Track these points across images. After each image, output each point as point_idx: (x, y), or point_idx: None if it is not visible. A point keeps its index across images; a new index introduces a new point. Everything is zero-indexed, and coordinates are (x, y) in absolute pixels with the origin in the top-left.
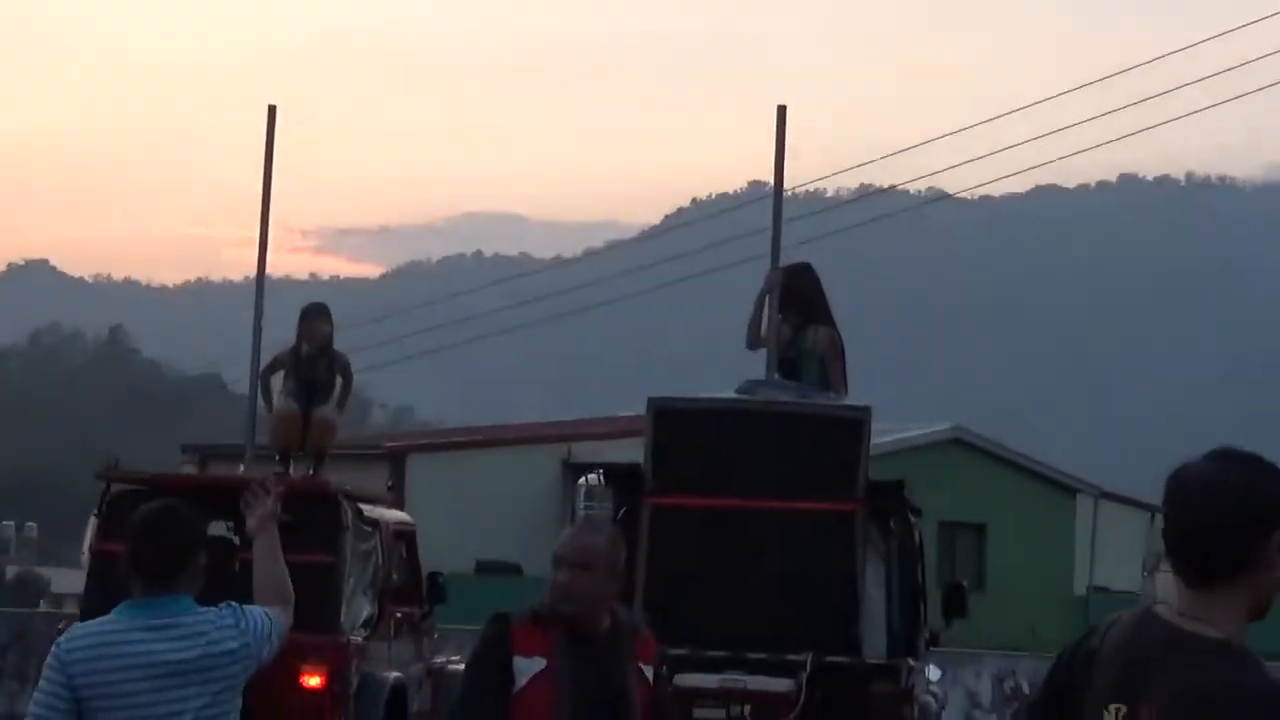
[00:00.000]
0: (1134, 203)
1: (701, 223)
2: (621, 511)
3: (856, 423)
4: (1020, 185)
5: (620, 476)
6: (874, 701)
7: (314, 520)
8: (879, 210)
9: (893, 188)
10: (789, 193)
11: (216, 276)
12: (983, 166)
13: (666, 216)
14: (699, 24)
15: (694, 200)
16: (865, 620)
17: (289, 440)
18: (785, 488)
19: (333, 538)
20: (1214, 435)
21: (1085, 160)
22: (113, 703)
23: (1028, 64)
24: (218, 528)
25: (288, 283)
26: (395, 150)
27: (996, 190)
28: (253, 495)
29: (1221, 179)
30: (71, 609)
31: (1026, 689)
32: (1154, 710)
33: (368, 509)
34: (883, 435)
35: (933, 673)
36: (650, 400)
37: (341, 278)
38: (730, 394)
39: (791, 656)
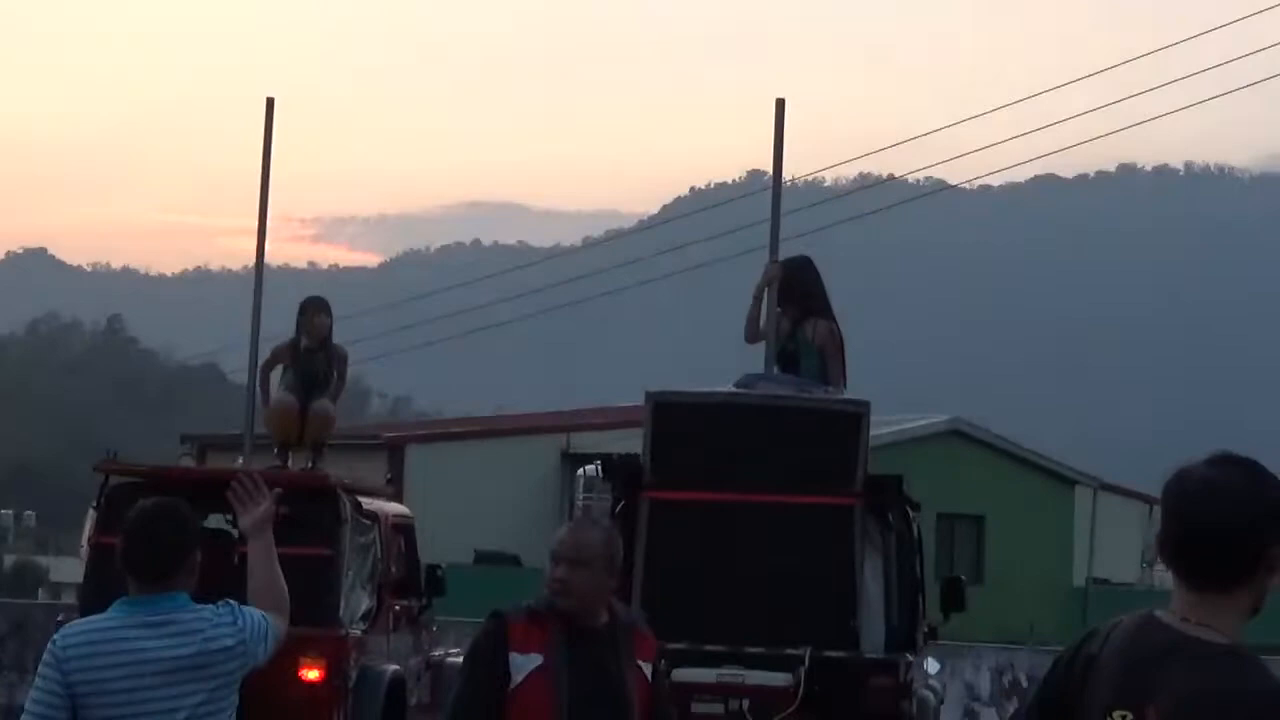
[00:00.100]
0: (1132, 193)
1: (700, 213)
2: (619, 505)
3: (855, 417)
4: (1020, 175)
5: (618, 470)
6: (872, 696)
7: (313, 513)
8: (878, 201)
9: (892, 178)
10: (788, 182)
11: (215, 265)
12: (982, 157)
13: (664, 206)
14: (698, 12)
15: (692, 189)
16: (864, 614)
17: (287, 433)
18: (784, 482)
19: (332, 531)
20: (1213, 429)
21: (1084, 151)
22: (109, 700)
23: (1027, 55)
24: (216, 521)
25: (286, 271)
26: (395, 139)
27: (996, 180)
28: (243, 493)
29: (1220, 169)
30: (70, 598)
31: (1025, 682)
32: (1159, 714)
33: (367, 502)
34: (881, 427)
35: (931, 665)
36: (648, 394)
37: (340, 266)
38: (729, 388)
39: (790, 651)
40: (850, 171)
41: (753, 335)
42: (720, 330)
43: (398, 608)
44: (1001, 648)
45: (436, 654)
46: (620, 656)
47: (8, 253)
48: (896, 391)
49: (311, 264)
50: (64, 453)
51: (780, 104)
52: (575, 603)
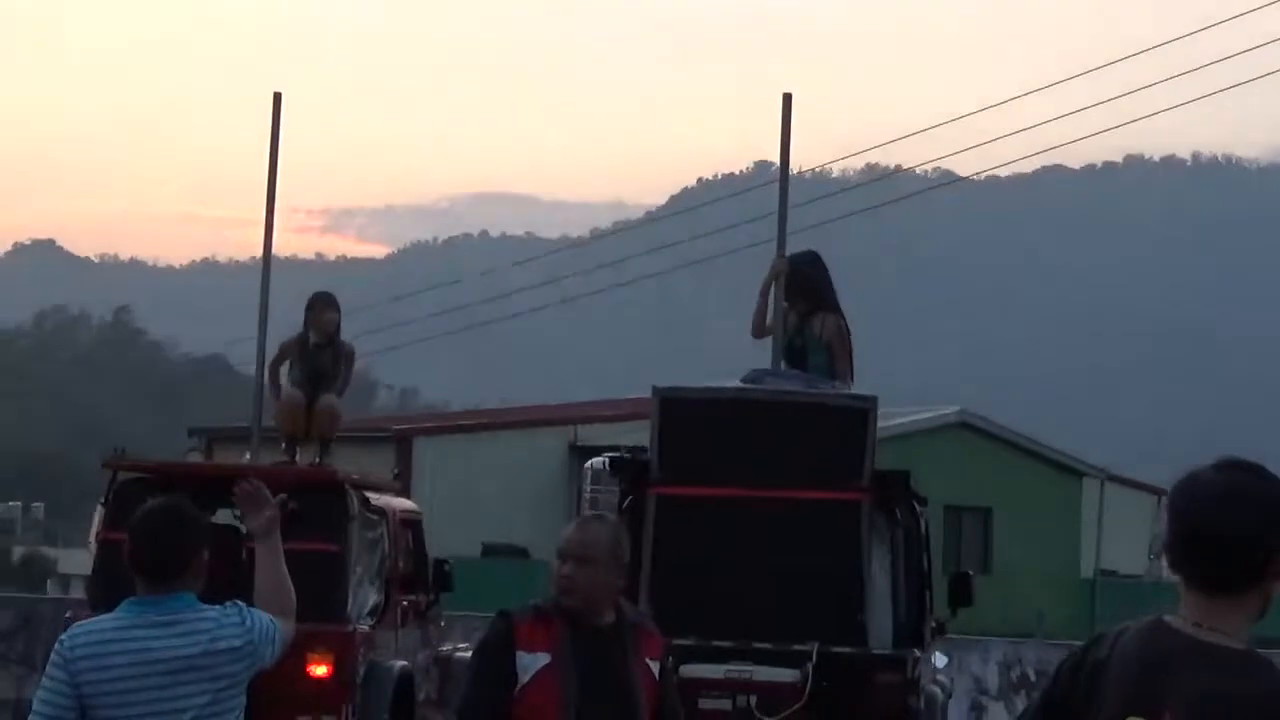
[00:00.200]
0: (1140, 184)
1: (707, 205)
2: (627, 501)
3: (863, 412)
4: (1028, 167)
5: (625, 466)
6: (880, 691)
7: (320, 509)
8: (886, 193)
9: (899, 169)
10: (795, 175)
11: (222, 257)
12: (990, 149)
13: (672, 197)
14: (706, 2)
15: (700, 180)
16: (871, 610)
17: (294, 427)
18: (791, 477)
19: (339, 526)
20: (1219, 420)
21: (1092, 141)
22: (116, 700)
23: (1035, 46)
24: (224, 516)
25: (294, 262)
26: (402, 130)
27: (1004, 172)
28: (247, 498)
29: (1228, 159)
30: (78, 590)
31: (1033, 676)
32: (1176, 719)
33: (374, 497)
34: (888, 419)
35: (939, 659)
36: (655, 389)
37: (348, 257)
38: (736, 383)
39: (797, 646)
40: (858, 163)
41: (760, 330)
42: (727, 323)
43: (406, 603)
44: (1010, 641)
45: (444, 649)
46: (627, 654)
47: (16, 244)
48: (902, 384)
49: (319, 255)
50: (71, 445)
51: (787, 99)
52: (582, 601)
